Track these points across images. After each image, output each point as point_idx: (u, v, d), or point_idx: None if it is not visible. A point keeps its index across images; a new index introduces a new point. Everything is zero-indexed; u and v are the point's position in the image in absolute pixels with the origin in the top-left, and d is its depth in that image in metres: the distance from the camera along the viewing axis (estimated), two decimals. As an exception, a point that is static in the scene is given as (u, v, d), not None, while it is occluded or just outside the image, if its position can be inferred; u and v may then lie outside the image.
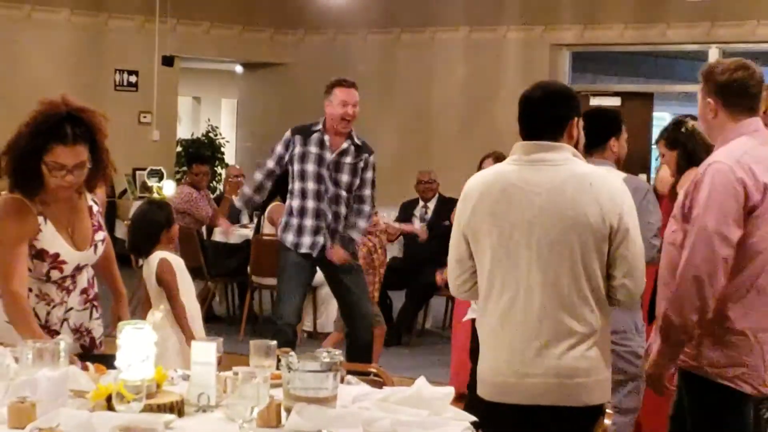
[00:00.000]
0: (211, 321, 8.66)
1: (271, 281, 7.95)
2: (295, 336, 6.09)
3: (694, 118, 4.75)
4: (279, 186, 6.47)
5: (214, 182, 12.69)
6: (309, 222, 6.00)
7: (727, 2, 11.05)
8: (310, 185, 5.99)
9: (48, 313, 3.66)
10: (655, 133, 12.43)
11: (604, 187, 3.14)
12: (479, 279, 3.23)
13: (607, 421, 3.20)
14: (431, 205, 9.02)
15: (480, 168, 6.45)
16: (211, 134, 15.43)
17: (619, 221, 3.10)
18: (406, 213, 9.20)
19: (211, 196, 9.51)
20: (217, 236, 9.01)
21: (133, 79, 13.12)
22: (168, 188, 11.11)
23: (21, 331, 3.41)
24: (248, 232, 8.85)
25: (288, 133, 6.08)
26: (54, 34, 12.43)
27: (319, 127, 6.02)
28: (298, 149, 6.00)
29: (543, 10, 12.28)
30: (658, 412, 4.29)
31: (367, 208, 6.09)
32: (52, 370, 2.85)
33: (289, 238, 6.03)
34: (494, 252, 3.16)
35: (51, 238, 3.60)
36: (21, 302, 3.50)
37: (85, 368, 3.11)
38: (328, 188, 6.00)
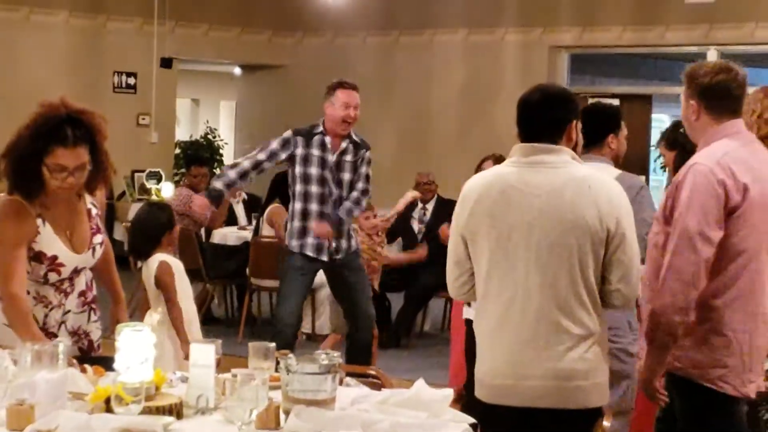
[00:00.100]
0: (210, 323, 8.66)
1: (270, 283, 7.96)
2: (294, 338, 6.10)
3: None
4: (278, 188, 6.48)
5: (213, 184, 12.67)
6: (312, 224, 6.01)
7: (726, 4, 11.06)
8: (314, 188, 6.00)
9: (46, 316, 3.66)
10: (654, 134, 12.47)
11: (602, 190, 3.15)
12: (477, 280, 3.23)
13: (606, 423, 3.20)
14: (430, 206, 9.02)
15: (479, 170, 6.46)
16: (209, 136, 15.44)
17: (617, 225, 3.11)
18: (404, 214, 9.19)
19: (210, 198, 9.49)
20: (216, 238, 9.01)
21: (131, 81, 13.11)
22: (166, 190, 11.10)
23: (20, 334, 3.41)
24: (247, 234, 8.85)
25: (289, 133, 6.04)
26: (52, 36, 12.43)
27: (320, 129, 6.02)
28: (300, 151, 5.99)
29: (542, 12, 12.28)
30: (647, 413, 4.29)
31: (356, 194, 6.10)
32: (51, 372, 2.85)
33: (293, 242, 6.04)
34: (492, 253, 3.16)
35: (49, 241, 3.59)
36: (20, 304, 3.51)
37: (83, 370, 3.11)
38: (332, 191, 6.02)
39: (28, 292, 3.60)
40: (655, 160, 12.03)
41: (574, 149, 3.27)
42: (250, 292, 8.58)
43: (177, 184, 11.39)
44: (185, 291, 4.67)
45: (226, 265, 8.78)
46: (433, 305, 8.84)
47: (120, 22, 12.91)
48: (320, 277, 6.40)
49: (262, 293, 8.84)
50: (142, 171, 12.17)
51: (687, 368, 3.33)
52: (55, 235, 3.61)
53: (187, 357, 3.14)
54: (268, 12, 13.70)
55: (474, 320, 3.33)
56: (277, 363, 3.01)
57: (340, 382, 3.03)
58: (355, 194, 6.10)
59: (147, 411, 2.75)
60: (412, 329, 8.61)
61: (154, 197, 11.46)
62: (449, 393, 2.95)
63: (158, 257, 4.61)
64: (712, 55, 11.45)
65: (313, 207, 6.01)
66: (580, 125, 3.32)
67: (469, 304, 5.16)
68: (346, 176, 6.05)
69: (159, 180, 11.99)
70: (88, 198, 3.75)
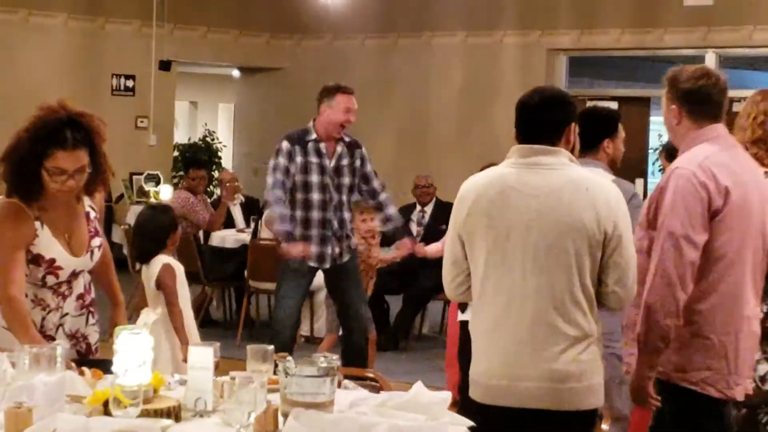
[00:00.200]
0: (208, 326, 8.66)
1: (269, 286, 7.95)
2: (293, 341, 6.10)
3: None
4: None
5: (211, 187, 12.68)
6: (314, 232, 5.99)
7: (724, 7, 11.07)
8: (315, 196, 5.98)
9: (43, 319, 3.66)
10: (653, 137, 12.48)
11: (600, 192, 3.15)
12: (473, 281, 3.23)
13: (604, 426, 3.20)
14: (428, 209, 9.03)
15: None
16: (208, 139, 15.44)
17: (614, 228, 3.11)
18: (403, 217, 9.19)
19: (208, 201, 9.50)
20: (215, 241, 9.01)
21: (130, 83, 13.11)
22: (165, 193, 11.10)
23: (19, 336, 3.41)
24: (245, 237, 8.85)
25: (286, 144, 5.94)
26: (51, 39, 12.43)
27: (313, 135, 5.98)
28: (299, 159, 5.96)
29: (540, 14, 12.28)
30: (643, 420, 4.29)
31: (384, 195, 6.19)
32: (49, 375, 2.85)
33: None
34: (489, 254, 3.16)
35: (47, 244, 3.59)
36: (19, 307, 3.50)
37: (81, 373, 3.11)
38: (333, 197, 6.01)
39: (26, 295, 3.59)
40: (653, 163, 12.04)
41: (571, 152, 3.27)
42: (249, 295, 8.57)
43: (175, 186, 11.38)
44: (184, 295, 4.67)
45: (225, 267, 8.77)
46: (431, 308, 8.84)
47: (118, 25, 12.91)
48: (318, 279, 6.39)
49: (261, 296, 8.84)
50: (141, 173, 12.17)
51: (669, 372, 3.34)
52: (54, 238, 3.60)
53: (186, 359, 3.14)
54: (267, 14, 13.70)
55: (470, 321, 3.33)
56: (276, 366, 3.01)
57: (339, 385, 3.02)
58: (383, 196, 6.19)
59: (145, 414, 2.74)
60: (410, 332, 8.61)
61: (152, 200, 11.46)
62: (447, 396, 2.95)
63: (162, 259, 4.63)
64: (710, 58, 11.46)
65: (315, 215, 5.99)
66: (577, 128, 3.32)
67: (463, 310, 5.16)
68: (346, 180, 6.04)
69: (157, 182, 11.98)
70: (86, 201, 3.74)
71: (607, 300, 3.17)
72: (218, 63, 14.71)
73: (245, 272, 8.41)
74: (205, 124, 16.50)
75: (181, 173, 11.94)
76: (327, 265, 6.05)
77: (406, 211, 9.11)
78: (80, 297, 3.76)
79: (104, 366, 3.10)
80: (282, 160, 5.93)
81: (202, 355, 2.94)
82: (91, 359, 3.68)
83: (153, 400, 2.87)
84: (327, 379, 2.83)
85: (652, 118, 12.49)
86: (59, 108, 3.55)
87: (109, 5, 12.85)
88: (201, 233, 9.14)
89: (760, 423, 3.95)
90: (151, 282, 4.61)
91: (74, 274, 3.69)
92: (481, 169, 7.23)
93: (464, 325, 4.82)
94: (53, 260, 3.60)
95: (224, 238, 9.00)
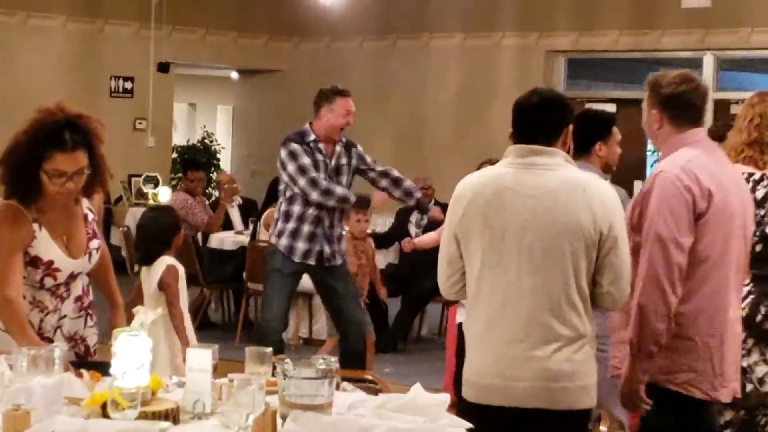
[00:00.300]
0: (207, 328, 8.65)
1: (267, 288, 7.95)
2: (281, 343, 6.05)
3: None
4: (277, 191, 6.46)
5: (210, 189, 12.68)
6: (306, 228, 6.00)
7: (722, 10, 11.08)
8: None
9: (41, 321, 3.65)
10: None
11: (596, 193, 3.16)
12: (468, 280, 3.24)
13: (602, 428, 3.20)
14: (427, 211, 9.01)
15: (477, 174, 6.45)
16: (206, 140, 15.44)
17: (610, 229, 3.12)
18: (401, 219, 9.21)
19: (207, 203, 9.50)
20: (213, 243, 9.01)
21: (128, 85, 13.11)
22: (163, 195, 11.10)
23: (16, 338, 3.41)
24: (244, 239, 8.85)
25: (295, 145, 5.95)
26: (50, 41, 12.43)
27: (312, 136, 6.00)
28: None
29: (538, 16, 12.29)
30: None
31: (396, 172, 6.24)
32: (47, 377, 2.85)
33: (283, 242, 6.02)
34: (485, 254, 3.17)
35: (45, 246, 3.59)
36: (15, 308, 3.50)
37: (79, 375, 3.11)
38: None
39: (24, 297, 3.59)
40: (651, 165, 12.05)
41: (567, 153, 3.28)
42: (247, 297, 8.57)
43: (174, 188, 11.39)
44: (183, 297, 4.68)
45: (223, 269, 8.77)
46: (430, 310, 8.84)
47: (117, 27, 12.91)
48: (317, 281, 6.38)
49: (259, 298, 8.81)
50: (139, 175, 12.16)
51: (655, 374, 3.35)
52: (52, 240, 3.60)
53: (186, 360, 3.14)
54: (265, 16, 13.70)
55: (464, 321, 3.34)
56: (274, 368, 3.01)
57: (337, 387, 3.02)
58: (395, 173, 6.22)
59: (143, 416, 2.74)
60: (409, 334, 8.60)
61: (151, 202, 11.46)
62: (446, 398, 2.95)
63: (166, 260, 4.65)
64: (708, 60, 11.47)
65: (312, 211, 6.00)
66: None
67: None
68: (344, 180, 6.09)
69: (156, 184, 11.98)
70: (84, 203, 3.74)
71: (601, 301, 3.18)
72: (217, 65, 14.71)
73: (243, 274, 8.41)
74: (204, 126, 16.50)
75: (180, 175, 11.94)
76: (312, 262, 6.02)
77: (405, 213, 9.11)
78: (78, 299, 3.75)
79: (103, 368, 3.10)
80: (305, 159, 5.92)
81: (201, 357, 2.93)
82: (90, 361, 3.68)
83: (151, 402, 2.87)
84: (325, 381, 2.82)
85: (650, 120, 12.49)
86: (57, 110, 3.55)
87: (108, 7, 12.85)
88: (199, 235, 9.14)
89: (759, 425, 3.95)
90: (153, 283, 4.62)
91: (72, 276, 3.69)
92: (480, 165, 7.28)
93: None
94: (51, 262, 3.60)
95: (223, 240, 9.00)
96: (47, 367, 2.92)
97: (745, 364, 3.89)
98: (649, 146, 12.37)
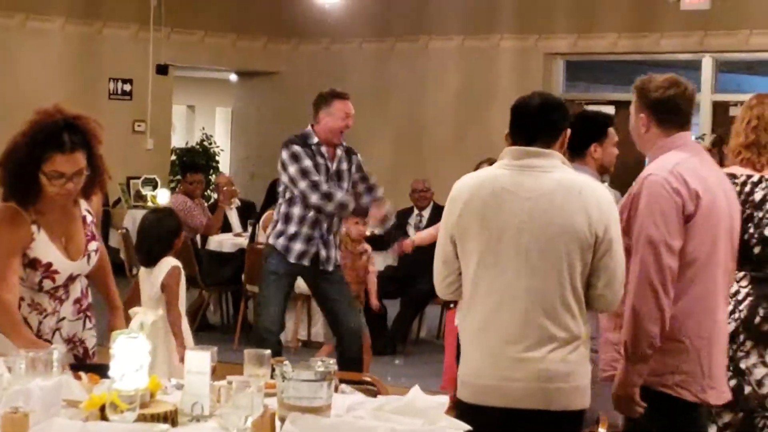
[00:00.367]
0: (205, 330, 8.65)
1: (266, 290, 7.95)
2: (279, 345, 6.04)
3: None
4: (276, 193, 6.46)
5: (209, 191, 12.68)
6: (304, 230, 6.01)
7: (720, 12, 11.08)
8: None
9: (40, 323, 3.65)
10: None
11: (593, 196, 3.17)
12: (464, 281, 3.25)
13: (601, 430, 3.20)
14: (426, 213, 9.03)
15: (475, 175, 6.45)
16: (205, 143, 15.43)
17: (605, 231, 3.14)
18: (400, 222, 9.19)
19: (206, 205, 9.50)
20: (212, 245, 9.00)
21: (127, 87, 13.11)
22: (162, 197, 11.10)
23: (13, 340, 3.41)
24: (243, 241, 8.85)
25: (297, 147, 5.93)
26: (48, 43, 12.43)
27: (315, 139, 6.00)
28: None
29: (537, 18, 12.30)
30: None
31: (381, 191, 6.17)
32: (45, 379, 2.85)
33: (281, 242, 6.02)
34: (482, 256, 3.17)
35: (44, 247, 3.59)
36: (10, 309, 3.49)
37: (77, 378, 3.10)
38: None
39: (23, 299, 3.59)
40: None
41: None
42: (246, 299, 8.56)
43: (173, 190, 11.39)
44: (182, 299, 4.70)
45: (222, 271, 8.77)
46: (429, 312, 8.83)
47: (116, 29, 12.91)
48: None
49: (258, 300, 8.82)
50: (138, 178, 12.16)
51: (646, 376, 3.34)
52: (51, 242, 3.60)
53: (182, 360, 3.14)
54: (264, 18, 13.70)
55: (459, 321, 3.34)
56: (273, 370, 3.01)
57: (336, 389, 3.02)
58: (380, 191, 6.16)
59: (142, 418, 2.74)
60: (408, 336, 8.60)
61: (150, 204, 11.46)
62: (445, 400, 2.95)
63: (169, 261, 4.67)
64: (707, 62, 11.48)
65: (311, 214, 6.00)
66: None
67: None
68: (344, 184, 6.08)
69: (154, 187, 11.98)
70: (83, 205, 3.74)
71: (595, 302, 3.19)
72: (215, 67, 14.71)
73: (242, 276, 8.41)
74: (203, 128, 16.49)
75: (179, 177, 11.93)
76: (306, 263, 6.02)
77: (404, 215, 9.11)
78: (77, 301, 3.75)
79: (101, 370, 3.10)
80: (307, 162, 5.90)
81: (199, 359, 2.93)
82: (88, 364, 3.67)
83: (150, 404, 2.86)
84: (324, 384, 2.82)
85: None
86: (55, 112, 3.55)
87: (107, 9, 12.85)
88: (198, 237, 9.14)
89: (757, 427, 3.95)
90: (156, 284, 4.63)
91: (71, 278, 3.69)
92: (478, 165, 7.29)
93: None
94: (50, 264, 3.60)
95: (221, 243, 9.00)
96: (46, 370, 2.91)
97: (743, 366, 3.89)
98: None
